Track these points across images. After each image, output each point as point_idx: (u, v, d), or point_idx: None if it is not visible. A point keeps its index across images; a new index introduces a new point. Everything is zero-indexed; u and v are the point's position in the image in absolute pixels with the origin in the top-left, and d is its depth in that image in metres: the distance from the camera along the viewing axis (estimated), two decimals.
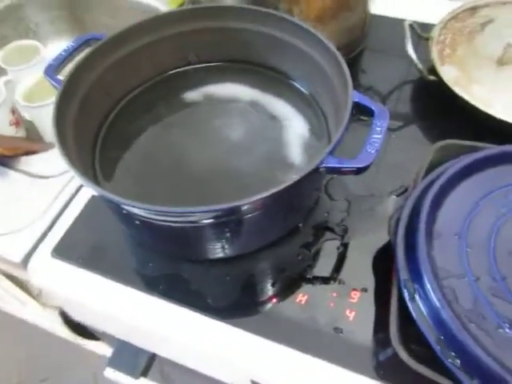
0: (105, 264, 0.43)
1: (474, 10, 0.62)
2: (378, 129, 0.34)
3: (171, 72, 0.52)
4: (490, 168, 0.40)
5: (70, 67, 0.42)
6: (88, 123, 0.44)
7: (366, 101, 0.36)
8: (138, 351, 0.52)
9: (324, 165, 0.32)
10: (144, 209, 0.31)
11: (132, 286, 0.41)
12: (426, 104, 0.57)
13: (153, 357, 0.53)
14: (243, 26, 0.48)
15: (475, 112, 0.49)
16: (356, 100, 0.36)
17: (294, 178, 0.31)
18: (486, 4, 0.63)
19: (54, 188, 0.49)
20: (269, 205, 0.34)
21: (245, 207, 0.33)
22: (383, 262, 0.41)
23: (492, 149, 0.40)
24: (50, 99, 0.55)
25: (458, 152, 0.42)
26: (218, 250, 0.39)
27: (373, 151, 0.33)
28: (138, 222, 0.36)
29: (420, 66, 0.53)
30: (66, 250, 0.44)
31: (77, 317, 0.53)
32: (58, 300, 0.48)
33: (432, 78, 0.52)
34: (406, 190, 0.45)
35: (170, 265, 0.41)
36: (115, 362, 0.51)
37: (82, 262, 0.43)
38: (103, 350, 1.09)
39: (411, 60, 0.54)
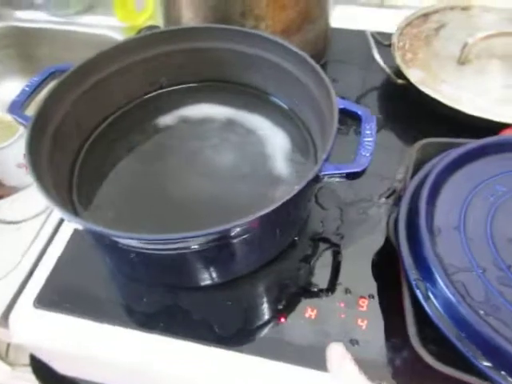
0: (95, 308, 0.40)
1: (426, 16, 0.65)
2: (368, 132, 0.34)
3: (143, 98, 0.50)
4: (475, 161, 0.41)
5: (36, 102, 0.40)
6: (62, 157, 0.41)
7: (351, 106, 0.36)
8: None
9: (323, 172, 0.31)
10: (139, 239, 0.29)
11: (130, 327, 0.38)
12: (396, 108, 0.58)
13: None
14: (212, 45, 0.48)
15: (445, 110, 0.50)
16: (342, 106, 0.36)
17: (296, 188, 0.30)
18: (435, 10, 0.66)
19: (28, 233, 0.45)
20: (267, 221, 0.33)
21: (244, 226, 0.31)
22: (382, 265, 0.41)
23: (473, 143, 0.41)
24: (7, 141, 0.52)
25: (438, 150, 0.43)
26: (216, 274, 0.37)
27: (367, 154, 0.33)
28: (130, 255, 0.34)
29: (388, 70, 0.54)
30: (50, 298, 0.40)
31: (69, 372, 0.48)
32: (46, 355, 0.44)
33: (400, 81, 0.54)
34: (394, 192, 0.46)
35: (166, 297, 0.39)
36: None
37: (69, 309, 0.40)
38: None
39: (375, 67, 0.56)
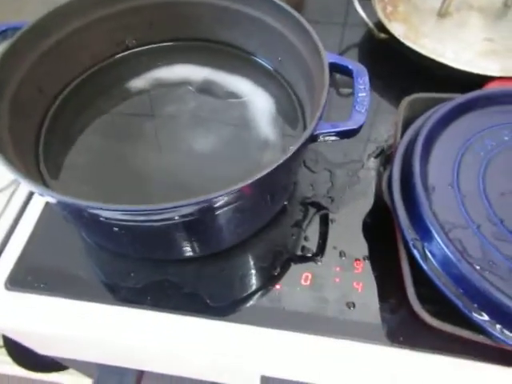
0: (75, 285, 0.37)
1: None
2: (361, 87, 0.33)
3: (110, 60, 0.46)
4: (463, 116, 0.40)
5: None
6: (25, 126, 0.37)
7: (341, 60, 0.34)
8: (123, 373, 0.47)
9: (318, 131, 0.29)
10: (129, 211, 0.26)
11: (115, 304, 0.36)
12: (377, 65, 0.56)
13: (140, 376, 0.48)
14: None
15: (428, 63, 0.49)
16: (332, 61, 0.34)
17: (291, 149, 0.28)
18: None
19: None
20: (260, 187, 0.31)
21: (237, 193, 0.29)
22: (374, 226, 0.40)
23: (461, 97, 0.40)
24: None
25: (425, 106, 0.42)
26: (208, 244, 0.35)
27: (363, 110, 0.31)
28: (113, 229, 0.31)
29: (370, 24, 0.52)
30: (23, 278, 0.37)
31: (48, 351, 0.46)
32: (23, 338, 0.41)
33: (383, 35, 0.52)
34: (382, 151, 0.45)
35: (155, 271, 0.37)
36: None
37: (45, 288, 0.37)
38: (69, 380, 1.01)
39: (354, 22, 0.54)
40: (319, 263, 0.37)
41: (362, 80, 0.33)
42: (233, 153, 0.40)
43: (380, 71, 0.55)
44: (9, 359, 0.99)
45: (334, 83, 0.52)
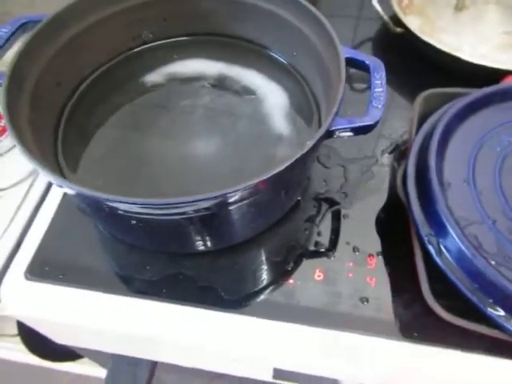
0: (91, 277, 0.38)
1: None
2: (378, 82, 0.32)
3: (126, 54, 0.46)
4: (480, 111, 0.40)
5: (4, 62, 0.36)
6: (44, 118, 0.38)
7: (358, 55, 0.34)
8: (137, 363, 0.48)
9: (335, 127, 0.29)
10: (148, 204, 0.26)
11: (130, 295, 0.36)
12: (392, 59, 0.55)
13: (154, 367, 0.49)
14: None
15: (445, 59, 0.48)
16: (348, 56, 0.34)
17: (308, 144, 0.28)
18: None
19: (11, 201, 0.42)
20: (275, 182, 0.31)
21: (253, 188, 0.29)
22: (387, 222, 0.40)
23: (477, 92, 0.40)
24: None
25: (441, 101, 0.42)
26: (222, 238, 0.36)
27: (380, 106, 0.31)
28: (130, 222, 0.32)
29: (386, 17, 0.51)
30: (41, 269, 0.38)
31: (64, 340, 0.47)
32: (40, 326, 0.42)
33: (398, 29, 0.51)
34: (397, 146, 0.44)
35: (170, 264, 0.37)
36: (114, 381, 0.46)
37: (64, 279, 0.38)
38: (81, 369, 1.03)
39: (368, 17, 0.53)
40: (332, 258, 0.37)
41: (379, 75, 0.33)
42: (247, 147, 0.40)
43: (395, 66, 0.55)
44: (23, 347, 1.01)
45: (348, 78, 0.52)
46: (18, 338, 1.01)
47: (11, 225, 0.41)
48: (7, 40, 0.38)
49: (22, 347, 1.01)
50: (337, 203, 0.40)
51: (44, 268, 0.38)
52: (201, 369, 0.45)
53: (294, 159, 0.27)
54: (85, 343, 0.47)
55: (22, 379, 1.05)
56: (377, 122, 0.30)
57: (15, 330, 1.02)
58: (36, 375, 1.04)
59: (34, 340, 1.00)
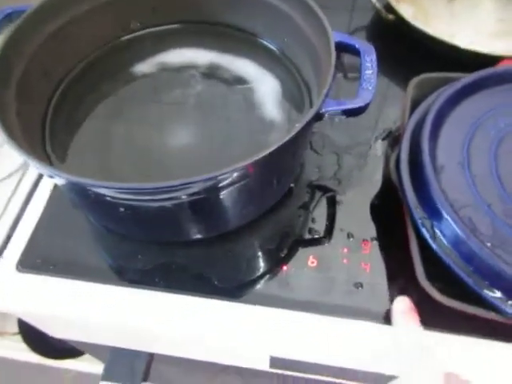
0: (84, 268, 0.37)
1: None
2: (369, 64, 0.32)
3: (115, 44, 0.46)
4: (474, 94, 0.39)
5: None
6: (32, 109, 0.37)
7: (348, 39, 0.34)
8: (134, 356, 0.47)
9: (325, 109, 0.29)
10: (135, 189, 0.26)
11: (123, 285, 0.36)
12: (385, 47, 0.55)
13: (151, 359, 0.49)
14: None
15: (439, 46, 0.48)
16: (338, 39, 0.33)
17: (297, 126, 0.27)
18: None
19: (1, 194, 0.42)
20: (265, 166, 0.31)
21: (243, 170, 0.29)
22: (382, 207, 0.40)
23: (472, 75, 0.39)
24: None
25: (434, 86, 0.41)
26: (214, 225, 0.35)
27: (370, 87, 0.30)
28: (119, 210, 0.31)
29: (378, 5, 0.51)
30: (32, 261, 0.38)
31: (62, 334, 0.46)
32: (34, 319, 0.41)
33: (391, 16, 0.51)
34: (390, 133, 0.44)
35: (162, 253, 0.37)
36: (111, 373, 0.46)
37: (55, 271, 0.37)
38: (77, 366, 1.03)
39: (361, 4, 0.53)
40: (326, 244, 0.37)
41: (370, 58, 0.32)
42: (239, 135, 0.39)
43: (388, 54, 0.54)
44: (24, 346, 1.01)
45: (342, 67, 0.52)
46: (18, 337, 1.01)
47: (2, 217, 0.40)
48: None
49: (23, 345, 1.01)
50: (330, 190, 0.40)
51: (36, 260, 0.38)
52: (203, 363, 0.45)
53: (284, 141, 0.26)
54: (79, 336, 0.46)
55: (23, 377, 1.05)
56: (367, 104, 0.30)
57: (16, 329, 1.02)
58: (37, 373, 1.04)
59: (34, 338, 1.00)
